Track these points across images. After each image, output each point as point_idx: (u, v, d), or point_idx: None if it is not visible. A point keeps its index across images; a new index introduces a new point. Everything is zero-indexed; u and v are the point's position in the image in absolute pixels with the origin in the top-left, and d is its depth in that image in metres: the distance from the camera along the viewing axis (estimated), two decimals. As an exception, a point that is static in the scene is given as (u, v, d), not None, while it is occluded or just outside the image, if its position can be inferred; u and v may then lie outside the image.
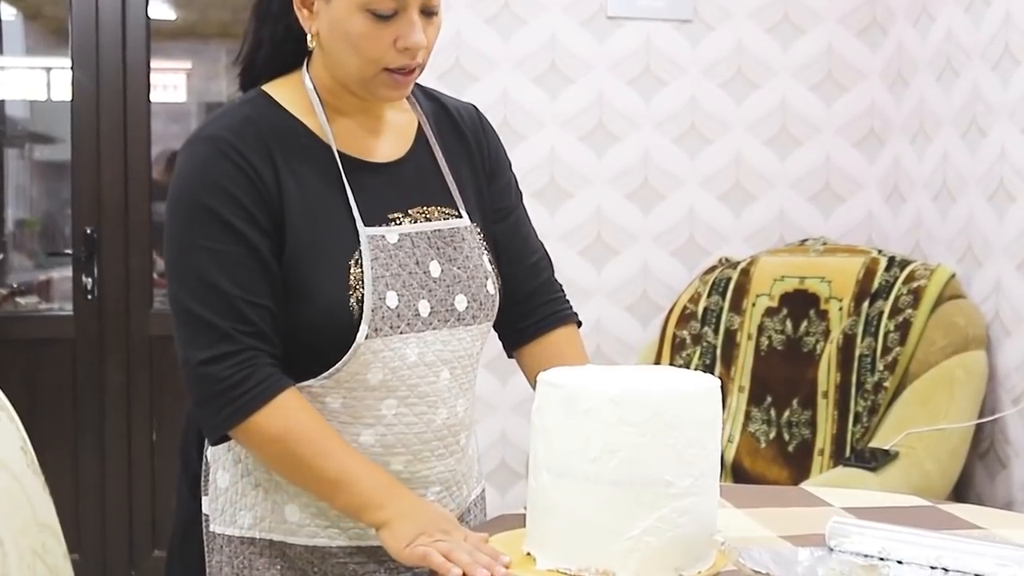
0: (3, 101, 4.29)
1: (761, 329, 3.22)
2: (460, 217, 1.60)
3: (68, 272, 3.69)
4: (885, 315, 3.03)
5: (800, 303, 3.21)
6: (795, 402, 3.12)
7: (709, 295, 3.32)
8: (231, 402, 1.43)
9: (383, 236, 1.51)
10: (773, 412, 3.15)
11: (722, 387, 1.36)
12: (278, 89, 1.55)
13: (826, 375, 3.08)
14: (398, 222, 1.53)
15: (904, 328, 2.99)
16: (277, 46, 1.56)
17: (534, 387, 1.39)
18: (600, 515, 1.28)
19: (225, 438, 1.49)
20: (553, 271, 1.76)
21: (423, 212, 1.56)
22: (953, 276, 3.08)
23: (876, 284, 3.11)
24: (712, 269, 3.43)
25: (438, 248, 1.55)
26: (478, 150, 1.67)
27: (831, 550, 1.35)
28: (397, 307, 1.48)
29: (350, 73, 1.49)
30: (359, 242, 1.49)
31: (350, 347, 1.46)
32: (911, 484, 2.70)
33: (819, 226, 3.60)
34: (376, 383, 1.50)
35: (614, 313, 3.54)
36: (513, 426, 3.49)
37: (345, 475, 1.44)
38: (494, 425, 3.49)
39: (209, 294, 1.44)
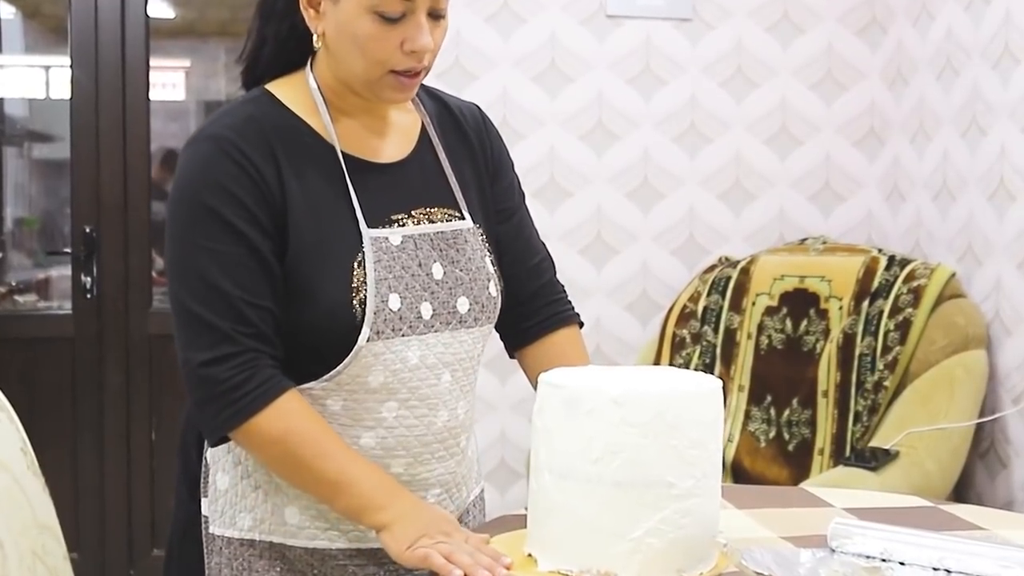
0: (2, 99, 4.29)
1: (761, 328, 3.22)
2: (463, 219, 1.60)
3: (67, 271, 3.69)
4: (885, 314, 3.02)
5: (800, 302, 3.20)
6: (795, 401, 3.11)
7: (709, 294, 3.32)
8: (231, 404, 1.42)
9: (386, 238, 1.50)
10: (773, 411, 3.14)
11: (722, 386, 1.36)
12: (282, 88, 1.54)
13: (826, 374, 3.07)
14: (401, 223, 1.53)
15: (904, 327, 2.98)
16: (281, 44, 1.55)
17: (535, 388, 1.39)
18: (602, 516, 1.28)
19: (225, 439, 1.48)
20: (555, 272, 1.76)
21: (426, 213, 1.56)
22: (953, 275, 3.07)
23: (876, 283, 3.11)
24: (712, 268, 3.43)
25: (441, 250, 1.54)
26: (481, 150, 1.67)
27: (833, 551, 1.35)
28: (399, 309, 1.48)
29: (355, 74, 1.48)
30: (362, 243, 1.48)
31: (352, 349, 1.46)
32: (911, 484, 2.70)
33: (819, 225, 3.60)
34: (377, 385, 1.49)
35: (614, 312, 3.54)
36: (513, 425, 3.49)
37: (345, 477, 1.43)
38: (494, 425, 3.49)
39: (210, 295, 1.43)
